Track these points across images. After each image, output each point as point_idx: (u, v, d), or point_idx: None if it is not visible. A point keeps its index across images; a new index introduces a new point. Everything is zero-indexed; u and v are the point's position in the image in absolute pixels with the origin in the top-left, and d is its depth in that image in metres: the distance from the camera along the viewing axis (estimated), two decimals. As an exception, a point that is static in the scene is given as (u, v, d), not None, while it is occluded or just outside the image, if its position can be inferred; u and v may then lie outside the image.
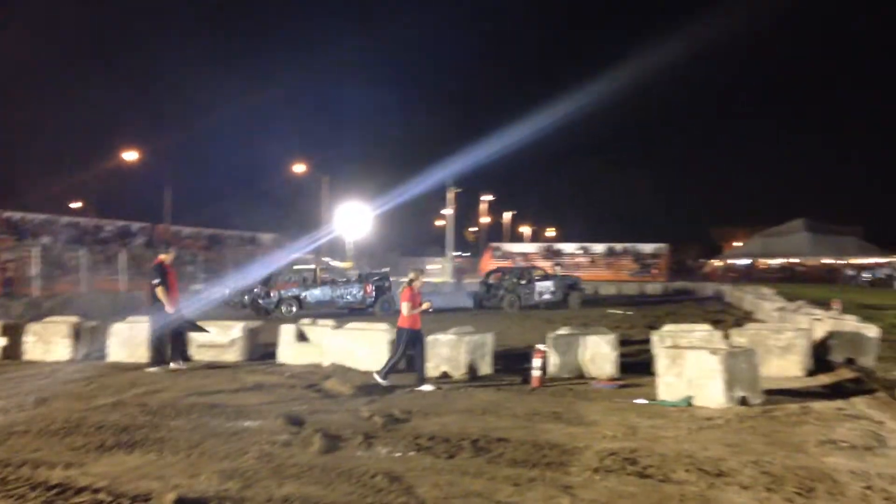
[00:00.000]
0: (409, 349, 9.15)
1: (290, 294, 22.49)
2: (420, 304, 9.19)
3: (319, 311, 20.29)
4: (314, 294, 22.85)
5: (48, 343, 11.48)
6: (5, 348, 11.59)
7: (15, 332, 11.73)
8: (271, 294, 22.30)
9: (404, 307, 9.06)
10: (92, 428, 6.68)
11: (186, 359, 10.80)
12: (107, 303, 23.63)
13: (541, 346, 9.43)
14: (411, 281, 9.29)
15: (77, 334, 11.56)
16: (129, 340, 11.27)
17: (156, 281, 10.51)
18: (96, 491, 4.82)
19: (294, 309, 21.90)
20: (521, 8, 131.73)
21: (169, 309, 10.51)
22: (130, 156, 43.20)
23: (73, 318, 12.00)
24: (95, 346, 11.74)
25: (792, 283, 46.08)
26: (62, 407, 7.71)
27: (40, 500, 4.66)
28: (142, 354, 11.08)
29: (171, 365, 10.44)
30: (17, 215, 33.55)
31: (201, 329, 11.14)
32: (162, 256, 10.95)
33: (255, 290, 22.59)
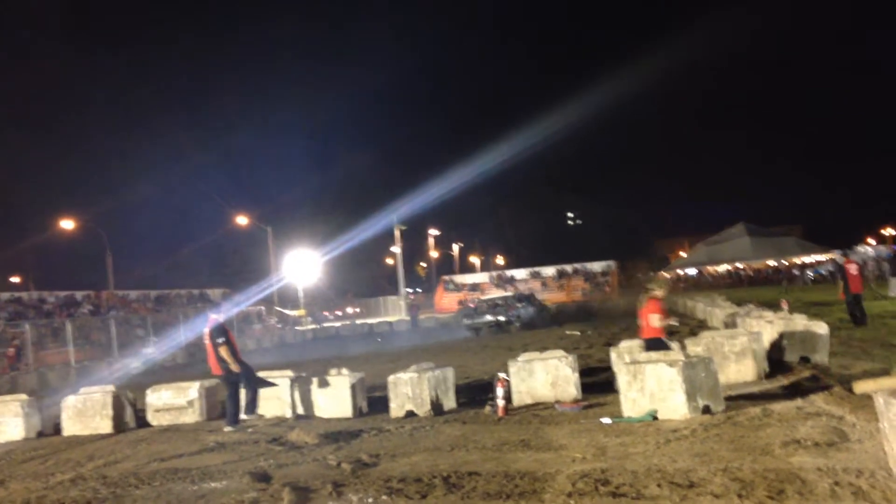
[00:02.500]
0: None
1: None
2: (668, 316, 9.30)
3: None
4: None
5: (-1, 423, 11.07)
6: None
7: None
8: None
9: (655, 319, 9.04)
10: (52, 507, 6.45)
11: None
12: (56, 377, 22.96)
13: (502, 375, 9.44)
14: (655, 292, 9.23)
15: (29, 412, 11.17)
16: (83, 412, 10.95)
17: (220, 340, 10.03)
18: (62, 573, 4.64)
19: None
20: (458, 48, 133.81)
21: (235, 368, 10.10)
22: (67, 224, 42.33)
23: (23, 396, 11.60)
24: (49, 421, 11.36)
25: (739, 287, 47.15)
26: (19, 488, 7.42)
27: (3, 589, 4.47)
28: (98, 425, 10.78)
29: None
30: (-46, 295, 32.49)
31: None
32: (215, 316, 10.45)
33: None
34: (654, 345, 9.12)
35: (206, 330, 10.23)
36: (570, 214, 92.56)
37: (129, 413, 11.17)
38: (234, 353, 10.13)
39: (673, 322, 9.69)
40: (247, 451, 8.29)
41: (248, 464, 7.50)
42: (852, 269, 15.57)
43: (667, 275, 61.48)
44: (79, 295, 38.97)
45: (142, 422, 11.22)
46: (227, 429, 9.79)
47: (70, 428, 10.96)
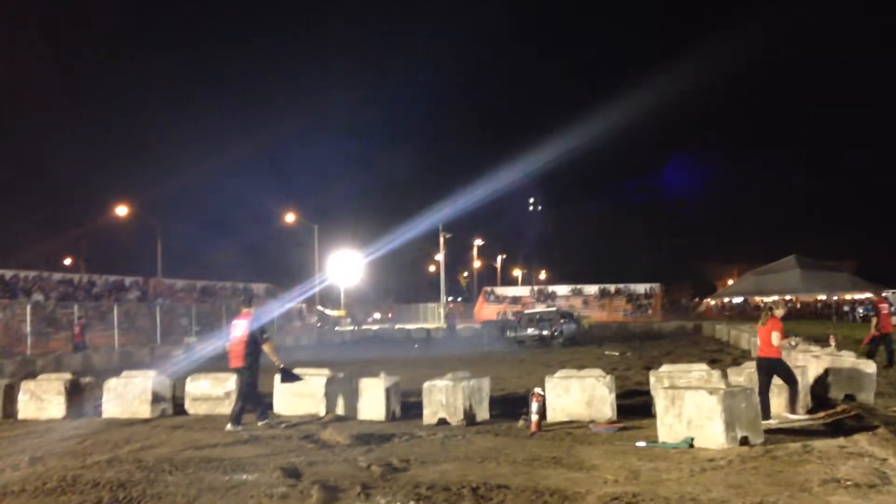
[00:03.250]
0: (770, 377, 9.35)
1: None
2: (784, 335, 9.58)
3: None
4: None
5: (42, 401, 11.35)
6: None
7: (8, 391, 11.62)
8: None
9: (775, 337, 9.31)
10: (88, 486, 6.59)
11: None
12: (101, 358, 23.48)
13: (538, 390, 9.38)
14: (777, 311, 9.66)
15: (71, 391, 11.44)
16: (123, 396, 11.17)
17: (266, 336, 10.17)
18: (92, 551, 4.74)
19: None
20: (513, 51, 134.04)
21: (278, 363, 10.30)
22: (121, 211, 43.37)
23: (67, 375, 11.90)
24: (90, 402, 11.62)
25: (787, 320, 46.12)
26: (57, 465, 7.60)
27: (35, 562, 4.58)
28: (136, 409, 10.98)
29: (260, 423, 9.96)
30: (8, 273, 33.49)
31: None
32: (249, 310, 10.45)
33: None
34: (771, 365, 9.31)
35: (243, 323, 10.15)
36: (615, 232, 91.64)
37: (167, 399, 11.36)
38: (256, 353, 10.08)
39: (792, 342, 9.93)
40: (279, 446, 8.37)
41: (279, 458, 7.57)
42: (884, 308, 15.50)
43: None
44: (127, 280, 39.85)
45: (180, 409, 11.41)
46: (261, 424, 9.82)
47: (110, 410, 11.18)
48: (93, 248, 64.82)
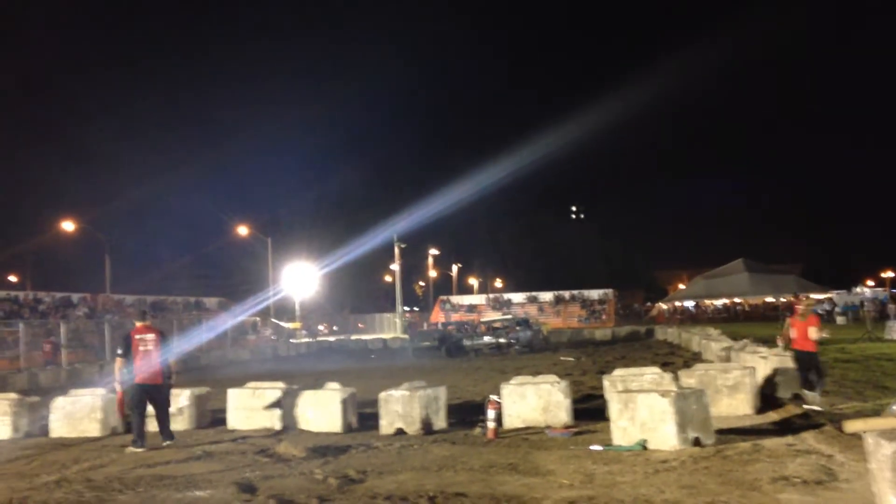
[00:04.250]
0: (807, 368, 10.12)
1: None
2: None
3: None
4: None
5: (-14, 422, 11.02)
6: (-61, 430, 11.07)
7: (-50, 413, 11.24)
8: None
9: (812, 332, 10.07)
10: (35, 508, 6.42)
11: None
12: (48, 377, 22.87)
13: (494, 398, 9.42)
14: (809, 308, 10.54)
15: (17, 411, 11.12)
16: (72, 414, 10.90)
17: (120, 352, 9.71)
18: (40, 574, 4.61)
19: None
20: (465, 66, 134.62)
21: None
22: (68, 226, 42.38)
23: (13, 395, 11.57)
24: (37, 422, 11.31)
25: (736, 322, 47.10)
26: (3, 487, 7.38)
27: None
28: (85, 428, 10.72)
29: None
30: (-51, 291, 32.41)
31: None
32: (143, 324, 10.01)
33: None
34: (808, 357, 10.01)
35: (154, 338, 9.78)
36: (567, 240, 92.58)
37: (117, 417, 11.11)
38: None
39: (825, 335, 10.83)
40: (234, 461, 8.25)
41: (234, 474, 7.46)
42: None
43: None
44: (75, 297, 38.90)
45: (128, 427, 11.14)
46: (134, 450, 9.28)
47: (58, 430, 10.91)
48: (38, 265, 63.21)
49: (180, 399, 11.07)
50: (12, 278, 62.71)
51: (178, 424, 10.89)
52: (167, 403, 9.89)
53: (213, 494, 6.64)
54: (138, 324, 10.04)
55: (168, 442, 9.52)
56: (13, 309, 33.59)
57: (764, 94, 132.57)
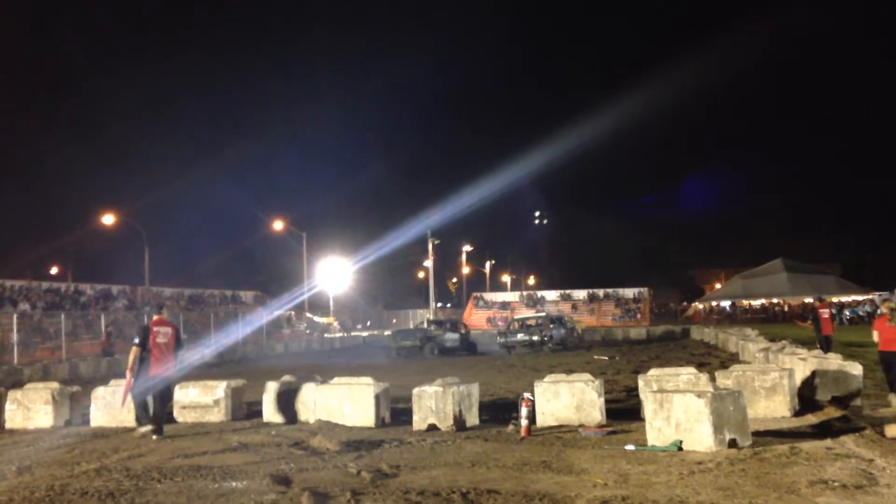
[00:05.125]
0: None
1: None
2: None
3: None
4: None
5: (29, 410, 11.28)
6: (-15, 417, 11.37)
7: (-5, 400, 11.54)
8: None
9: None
10: (76, 495, 6.55)
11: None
12: (88, 367, 23.34)
13: (527, 395, 9.40)
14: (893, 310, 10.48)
15: (59, 400, 11.37)
16: (111, 405, 11.09)
17: (137, 341, 10.07)
18: (81, 560, 4.72)
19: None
20: (499, 58, 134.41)
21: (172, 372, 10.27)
22: (108, 219, 43.15)
23: (55, 384, 11.82)
24: (78, 411, 11.55)
25: (774, 323, 46.38)
26: (44, 475, 7.55)
27: (24, 571, 4.55)
28: (125, 418, 10.91)
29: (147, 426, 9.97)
30: (-6, 283, 33.21)
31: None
32: (158, 316, 10.44)
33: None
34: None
35: (170, 331, 10.16)
36: (603, 238, 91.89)
37: (121, 403, 11.21)
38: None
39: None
40: (269, 453, 8.34)
41: (269, 466, 7.55)
42: (824, 313, 17.32)
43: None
44: (115, 289, 39.62)
45: (169, 417, 11.33)
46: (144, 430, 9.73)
47: (98, 419, 11.12)
48: (79, 258, 64.51)
49: (217, 391, 11.24)
50: (54, 270, 64.03)
51: (214, 416, 11.07)
52: (169, 397, 10.35)
53: (249, 485, 6.72)
54: (156, 316, 10.44)
55: (146, 427, 9.73)
56: (55, 301, 34.32)
57: (804, 88, 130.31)
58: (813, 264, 64.47)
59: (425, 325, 32.01)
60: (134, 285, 41.65)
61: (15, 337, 25.75)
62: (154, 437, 9.63)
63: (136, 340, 10.07)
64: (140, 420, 10.00)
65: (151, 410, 10.00)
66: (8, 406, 11.41)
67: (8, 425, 11.29)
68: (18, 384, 14.17)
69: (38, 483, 7.13)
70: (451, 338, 29.83)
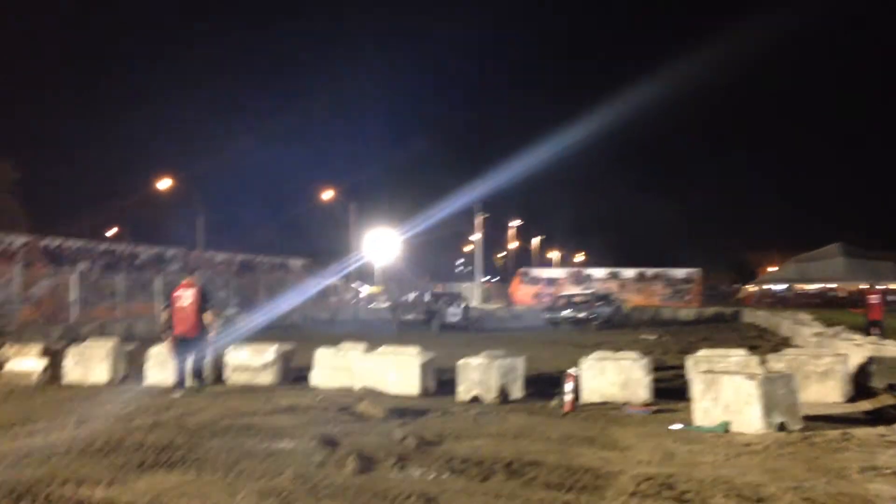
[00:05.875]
0: None
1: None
2: None
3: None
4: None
5: (87, 366, 11.67)
6: (46, 371, 11.80)
7: (55, 355, 11.96)
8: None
9: None
10: (132, 447, 6.79)
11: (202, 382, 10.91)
12: (143, 327, 24.00)
13: (572, 370, 9.38)
14: None
15: (116, 357, 11.74)
16: (165, 363, 11.39)
17: (209, 304, 10.92)
18: (137, 509, 4.90)
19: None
20: (545, 30, 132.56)
21: (213, 334, 10.93)
22: (164, 184, 44.04)
23: (112, 342, 12.20)
24: (133, 368, 11.91)
25: (829, 308, 45.30)
26: (102, 428, 7.83)
27: (83, 517, 4.75)
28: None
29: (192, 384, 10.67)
30: (54, 242, 34.20)
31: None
32: (192, 280, 11.10)
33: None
34: None
35: (191, 293, 10.74)
36: (654, 216, 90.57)
37: (208, 368, 11.58)
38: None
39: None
40: (316, 416, 8.51)
41: (316, 428, 7.69)
42: (873, 298, 17.93)
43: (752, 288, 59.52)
44: (169, 252, 40.49)
45: (218, 378, 11.63)
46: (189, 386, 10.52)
47: (152, 377, 11.45)
48: (136, 220, 66.08)
49: (266, 354, 11.46)
50: (111, 232, 65.75)
51: (264, 378, 11.30)
52: (200, 354, 10.80)
53: (297, 446, 6.88)
54: (184, 280, 11.13)
55: (180, 391, 10.35)
56: (112, 261, 35.23)
57: (865, 63, 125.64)
58: (872, 250, 62.63)
59: (426, 298, 29.93)
60: (187, 249, 42.53)
61: (74, 295, 26.55)
62: (180, 392, 10.32)
63: (165, 304, 11.06)
64: (176, 385, 10.56)
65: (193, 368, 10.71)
66: (68, 361, 11.81)
67: (66, 379, 11.70)
68: (76, 341, 14.64)
69: (96, 435, 7.39)
70: (453, 312, 28.34)
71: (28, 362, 11.85)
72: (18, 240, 31.98)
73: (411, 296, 32.22)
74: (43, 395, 10.56)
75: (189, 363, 10.70)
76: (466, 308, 30.21)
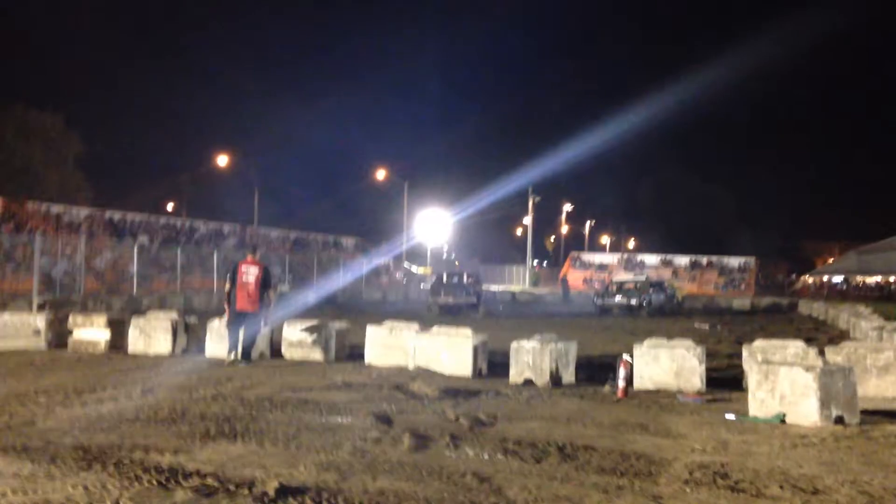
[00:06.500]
0: None
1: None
2: None
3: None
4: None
5: (150, 337, 12.08)
6: (109, 341, 12.26)
7: (119, 326, 12.41)
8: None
9: None
10: (196, 417, 7.05)
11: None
12: (201, 300, 24.65)
13: (626, 357, 9.38)
14: None
15: (177, 329, 12.13)
16: (225, 336, 11.71)
17: (275, 281, 11.25)
18: (204, 476, 5.10)
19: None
20: (603, 10, 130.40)
21: (272, 309, 11.44)
22: (222, 160, 44.92)
23: (174, 314, 12.60)
24: (194, 341, 12.30)
25: (890, 302, 44.05)
26: (166, 397, 8.13)
27: (154, 481, 4.97)
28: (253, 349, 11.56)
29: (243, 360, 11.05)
30: (117, 215, 35.24)
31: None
32: (254, 257, 11.51)
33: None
34: None
35: (256, 270, 11.21)
36: (709, 202, 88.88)
37: (265, 343, 11.89)
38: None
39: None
40: (370, 393, 8.68)
41: (371, 405, 7.86)
42: None
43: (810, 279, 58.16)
44: (226, 228, 41.37)
45: (275, 353, 11.94)
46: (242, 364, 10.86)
47: (212, 349, 11.80)
48: (194, 195, 67.56)
49: (322, 331, 11.72)
50: (170, 206, 67.34)
51: (319, 355, 11.56)
52: (255, 329, 11.21)
53: (353, 422, 7.05)
54: (248, 256, 11.57)
55: (241, 363, 10.81)
56: (171, 235, 36.16)
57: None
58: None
59: (465, 280, 29.28)
60: (243, 224, 43.38)
61: (134, 268, 27.38)
62: (232, 364, 10.80)
63: (228, 278, 11.40)
64: (229, 351, 11.09)
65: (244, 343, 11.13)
66: (131, 332, 12.24)
67: (130, 350, 12.13)
68: (138, 312, 15.14)
69: (161, 404, 7.69)
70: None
71: (94, 332, 12.33)
72: (83, 212, 33.01)
73: (446, 276, 30.46)
74: (109, 363, 10.97)
75: (241, 338, 11.04)
76: (476, 287, 29.32)
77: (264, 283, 11.21)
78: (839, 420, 7.25)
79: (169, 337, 12.04)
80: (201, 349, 12.01)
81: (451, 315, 24.87)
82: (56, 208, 31.74)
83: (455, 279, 29.35)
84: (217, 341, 11.78)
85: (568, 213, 77.98)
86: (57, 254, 25.47)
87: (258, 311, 11.12)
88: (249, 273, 11.19)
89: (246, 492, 4.78)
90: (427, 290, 31.09)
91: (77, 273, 25.28)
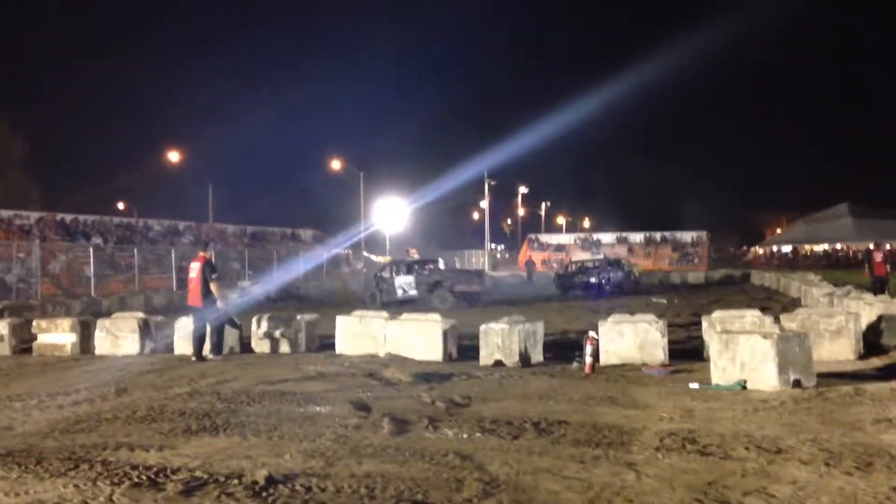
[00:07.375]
0: None
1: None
2: None
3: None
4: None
5: (117, 338, 12.02)
6: (77, 343, 12.17)
7: (85, 328, 12.32)
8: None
9: None
10: (175, 414, 7.11)
11: (220, 353, 11.30)
12: (161, 299, 24.39)
13: (592, 334, 9.66)
14: None
15: (144, 329, 12.09)
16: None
17: (214, 276, 11.21)
18: (192, 470, 5.19)
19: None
20: (551, 5, 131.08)
21: (221, 304, 11.26)
22: (173, 156, 44.26)
23: (140, 314, 12.54)
24: (161, 340, 12.26)
25: (836, 269, 45.47)
26: (142, 396, 8.16)
27: (144, 476, 5.05)
28: (205, 347, 11.56)
29: (210, 356, 11.12)
30: (69, 217, 34.56)
31: (235, 325, 11.92)
32: (204, 254, 11.47)
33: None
34: None
35: (197, 266, 11.27)
36: (660, 179, 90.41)
37: (234, 338, 11.92)
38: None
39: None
40: (345, 382, 8.81)
41: (347, 393, 8.00)
42: (878, 256, 18.17)
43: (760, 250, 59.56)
44: (181, 225, 40.86)
45: (245, 347, 11.98)
46: (212, 357, 11.12)
47: (181, 347, 11.79)
48: (146, 194, 66.46)
49: (292, 324, 11.79)
50: (120, 206, 66.13)
51: (289, 347, 11.63)
52: (203, 324, 11.19)
53: (332, 410, 7.18)
54: (199, 253, 11.71)
55: (212, 359, 11.05)
56: (126, 235, 35.62)
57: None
58: (880, 209, 62.58)
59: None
60: (199, 222, 42.87)
61: (92, 269, 26.94)
62: (195, 361, 10.87)
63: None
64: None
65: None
66: (97, 334, 12.17)
67: (97, 351, 12.06)
68: (99, 314, 15.01)
69: (137, 404, 7.72)
70: (406, 282, 24.38)
71: (59, 336, 12.24)
72: (34, 215, 32.31)
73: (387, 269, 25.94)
74: (78, 366, 10.91)
75: (197, 333, 11.16)
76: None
77: (205, 277, 11.20)
78: (797, 383, 7.62)
79: (136, 337, 11.99)
80: (170, 348, 11.99)
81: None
82: (6, 213, 31.04)
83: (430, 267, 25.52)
84: (186, 339, 11.77)
85: (524, 196, 78.63)
86: (11, 259, 24.97)
87: (204, 306, 11.15)
88: (193, 269, 11.37)
89: (236, 482, 4.90)
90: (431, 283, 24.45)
91: (33, 277, 24.82)
